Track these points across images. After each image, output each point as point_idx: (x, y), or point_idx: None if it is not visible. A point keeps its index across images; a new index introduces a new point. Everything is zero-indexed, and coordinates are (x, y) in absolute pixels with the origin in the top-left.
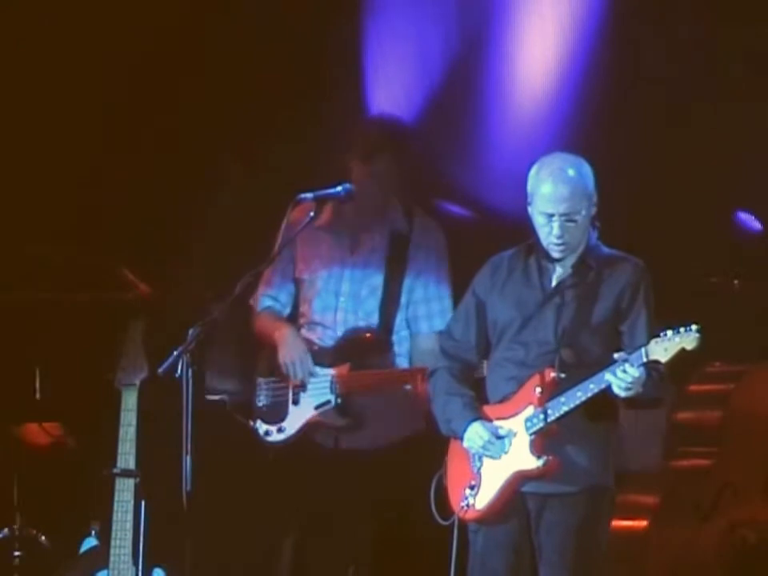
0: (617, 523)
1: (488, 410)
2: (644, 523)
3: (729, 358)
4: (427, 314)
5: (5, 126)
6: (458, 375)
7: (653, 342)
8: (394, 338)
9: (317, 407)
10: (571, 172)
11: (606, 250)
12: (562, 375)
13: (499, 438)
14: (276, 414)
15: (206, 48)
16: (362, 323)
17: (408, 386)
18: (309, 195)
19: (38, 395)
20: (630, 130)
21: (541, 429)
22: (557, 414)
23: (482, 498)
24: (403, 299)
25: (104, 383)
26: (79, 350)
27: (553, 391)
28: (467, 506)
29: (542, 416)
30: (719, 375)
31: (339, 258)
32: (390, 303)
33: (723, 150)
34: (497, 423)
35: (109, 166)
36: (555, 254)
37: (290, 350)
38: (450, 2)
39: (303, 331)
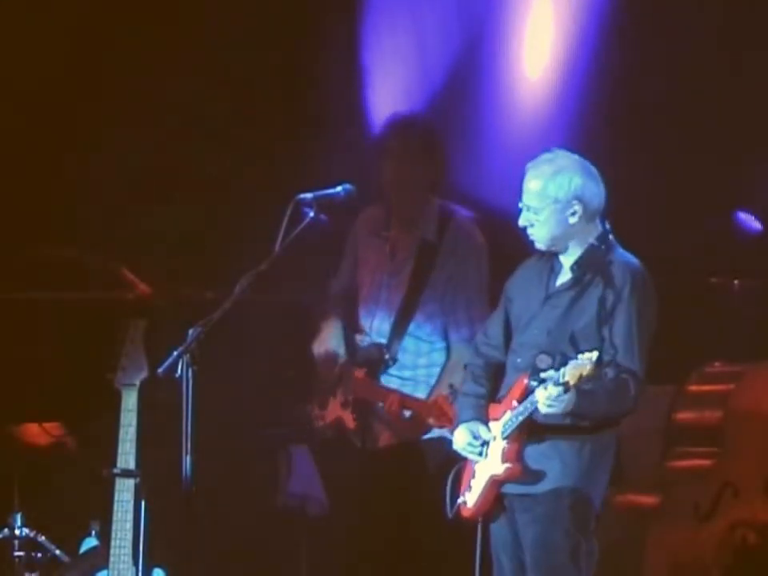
0: (616, 523)
1: (490, 409)
2: (644, 523)
3: (729, 358)
4: (455, 322)
5: (4, 127)
6: (476, 373)
7: (570, 363)
8: (425, 347)
9: (341, 405)
10: (546, 169)
11: (616, 252)
12: (533, 383)
13: (476, 439)
14: (323, 405)
15: (202, 43)
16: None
17: (407, 413)
18: (308, 195)
19: (37, 395)
20: (632, 130)
21: (511, 434)
22: (516, 423)
23: (471, 498)
24: (433, 307)
25: (104, 383)
26: (79, 350)
27: (525, 398)
28: (463, 503)
29: (510, 423)
30: (719, 375)
31: (381, 264)
32: (404, 314)
33: (725, 149)
34: (491, 424)
35: (109, 167)
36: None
37: (317, 344)
38: (450, 0)
39: (357, 336)
